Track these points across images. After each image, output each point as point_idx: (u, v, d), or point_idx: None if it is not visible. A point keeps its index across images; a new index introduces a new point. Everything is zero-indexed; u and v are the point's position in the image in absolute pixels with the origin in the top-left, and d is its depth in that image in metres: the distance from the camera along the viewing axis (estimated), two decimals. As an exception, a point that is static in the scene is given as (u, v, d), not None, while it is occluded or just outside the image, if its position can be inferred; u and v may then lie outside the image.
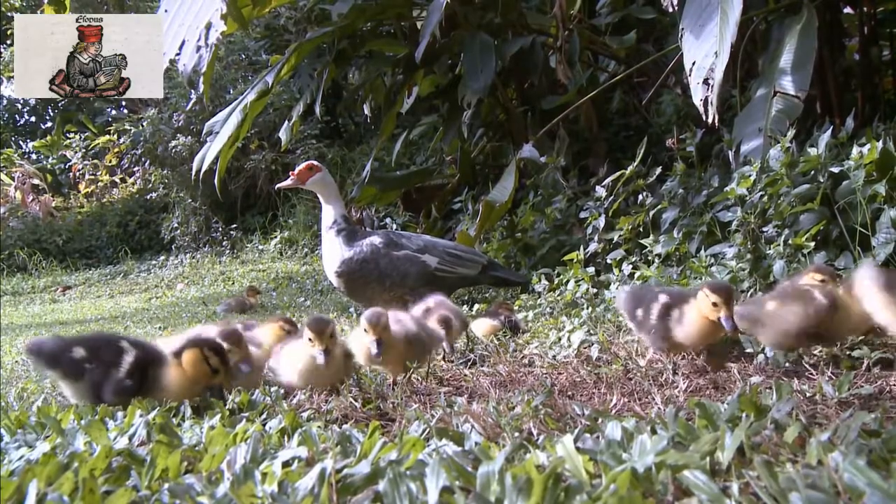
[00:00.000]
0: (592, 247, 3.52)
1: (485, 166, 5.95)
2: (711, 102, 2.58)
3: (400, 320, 2.00)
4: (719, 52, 2.56)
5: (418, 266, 3.47)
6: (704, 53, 2.63)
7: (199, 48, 4.02)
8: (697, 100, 2.64)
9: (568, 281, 3.29)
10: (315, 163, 3.60)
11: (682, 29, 2.78)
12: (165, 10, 4.27)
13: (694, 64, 2.67)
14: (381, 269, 3.44)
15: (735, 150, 3.08)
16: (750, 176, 2.67)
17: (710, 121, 2.60)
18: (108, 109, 14.87)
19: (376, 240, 3.51)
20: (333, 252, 3.51)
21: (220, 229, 10.26)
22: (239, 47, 10.17)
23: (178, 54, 4.20)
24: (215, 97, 9.23)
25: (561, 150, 4.74)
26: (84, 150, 13.11)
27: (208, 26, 3.91)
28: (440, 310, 2.34)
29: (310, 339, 1.75)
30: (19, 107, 17.14)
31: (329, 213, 3.56)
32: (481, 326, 2.62)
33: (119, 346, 1.74)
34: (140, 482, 1.08)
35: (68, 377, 1.73)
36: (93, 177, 13.04)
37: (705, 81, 2.60)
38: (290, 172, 3.59)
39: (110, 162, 12.79)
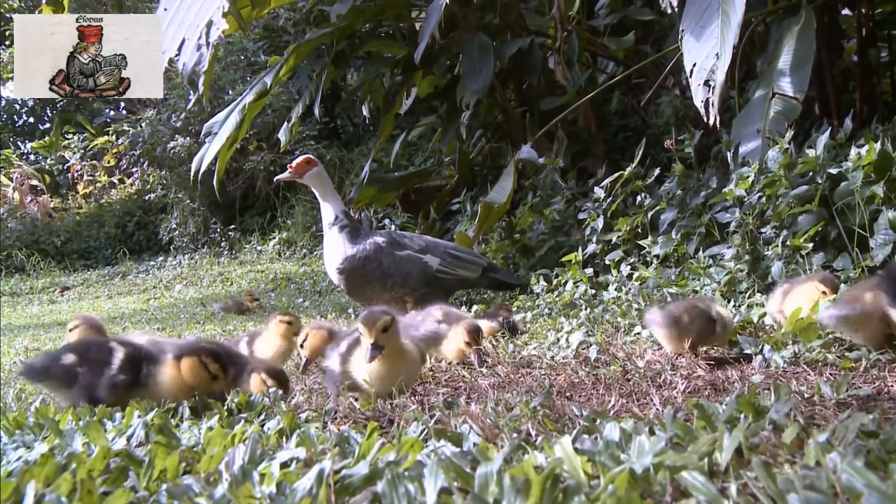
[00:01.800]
0: (591, 248, 3.52)
1: (483, 167, 5.95)
2: (713, 104, 2.58)
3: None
4: (721, 54, 2.56)
5: (420, 266, 3.47)
6: (705, 55, 2.63)
7: (199, 47, 4.00)
8: (699, 102, 2.63)
9: (566, 282, 3.29)
10: (312, 157, 3.60)
11: (683, 30, 2.78)
12: (165, 9, 4.25)
13: (695, 66, 2.66)
14: (383, 268, 3.44)
15: (733, 152, 3.09)
16: (748, 177, 2.67)
17: (711, 123, 2.60)
18: (107, 110, 14.86)
19: (379, 239, 3.51)
20: (336, 249, 3.50)
21: (219, 230, 10.25)
22: (238, 48, 10.17)
23: (177, 54, 4.18)
24: (214, 98, 9.22)
25: (559, 151, 4.75)
26: (82, 151, 13.10)
27: (209, 25, 3.89)
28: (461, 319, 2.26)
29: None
30: (17, 107, 17.13)
31: (329, 211, 3.55)
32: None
33: (108, 346, 1.75)
34: (138, 483, 1.08)
35: (62, 386, 1.73)
36: (91, 178, 13.03)
37: (706, 83, 2.60)
38: (288, 165, 3.58)
39: (109, 163, 12.79)
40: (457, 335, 2.17)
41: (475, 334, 2.15)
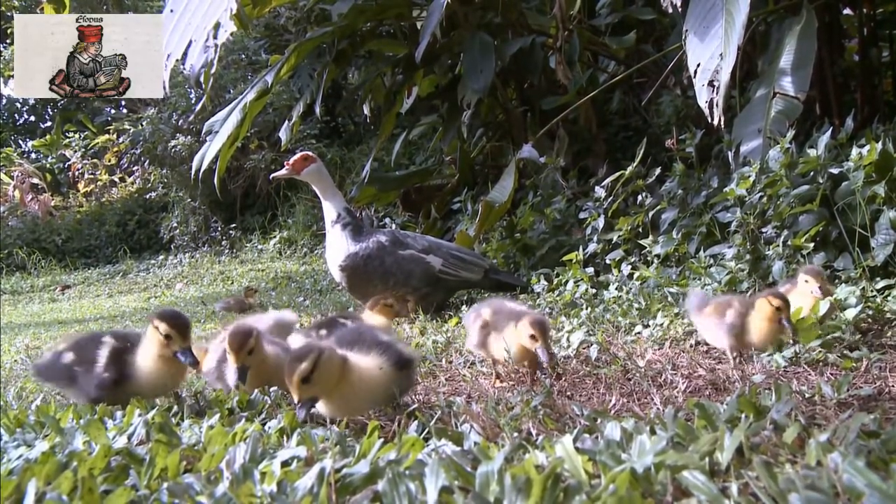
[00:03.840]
0: (592, 247, 3.52)
1: (484, 166, 5.95)
2: (717, 104, 2.58)
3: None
4: (725, 55, 2.55)
5: (423, 266, 3.47)
6: (709, 55, 2.62)
7: (206, 49, 3.98)
8: (703, 102, 2.63)
9: (567, 281, 3.29)
10: (310, 153, 3.58)
11: (687, 31, 2.77)
12: (171, 10, 4.24)
13: (699, 66, 2.66)
14: (385, 267, 3.44)
15: (734, 151, 3.08)
16: (749, 177, 2.67)
17: (715, 123, 2.59)
18: (108, 109, 14.86)
19: (383, 237, 3.51)
20: (339, 246, 3.50)
21: (220, 229, 10.25)
22: (239, 47, 10.16)
23: (184, 55, 4.15)
24: (215, 97, 9.22)
25: (560, 151, 4.74)
26: (83, 150, 13.11)
27: (217, 26, 3.88)
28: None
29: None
30: (19, 106, 17.14)
31: (330, 208, 3.55)
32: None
33: (99, 341, 1.73)
34: (139, 481, 1.08)
35: (70, 385, 1.73)
36: (92, 176, 13.04)
37: (710, 84, 2.60)
38: (286, 163, 3.57)
39: (109, 161, 12.80)
40: (517, 332, 1.79)
41: (543, 328, 1.74)
